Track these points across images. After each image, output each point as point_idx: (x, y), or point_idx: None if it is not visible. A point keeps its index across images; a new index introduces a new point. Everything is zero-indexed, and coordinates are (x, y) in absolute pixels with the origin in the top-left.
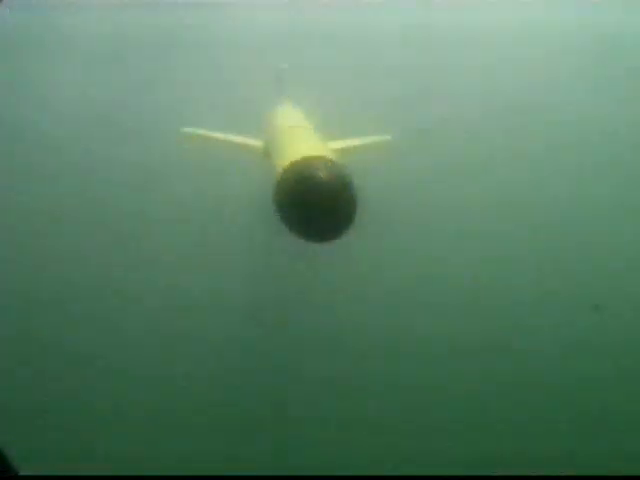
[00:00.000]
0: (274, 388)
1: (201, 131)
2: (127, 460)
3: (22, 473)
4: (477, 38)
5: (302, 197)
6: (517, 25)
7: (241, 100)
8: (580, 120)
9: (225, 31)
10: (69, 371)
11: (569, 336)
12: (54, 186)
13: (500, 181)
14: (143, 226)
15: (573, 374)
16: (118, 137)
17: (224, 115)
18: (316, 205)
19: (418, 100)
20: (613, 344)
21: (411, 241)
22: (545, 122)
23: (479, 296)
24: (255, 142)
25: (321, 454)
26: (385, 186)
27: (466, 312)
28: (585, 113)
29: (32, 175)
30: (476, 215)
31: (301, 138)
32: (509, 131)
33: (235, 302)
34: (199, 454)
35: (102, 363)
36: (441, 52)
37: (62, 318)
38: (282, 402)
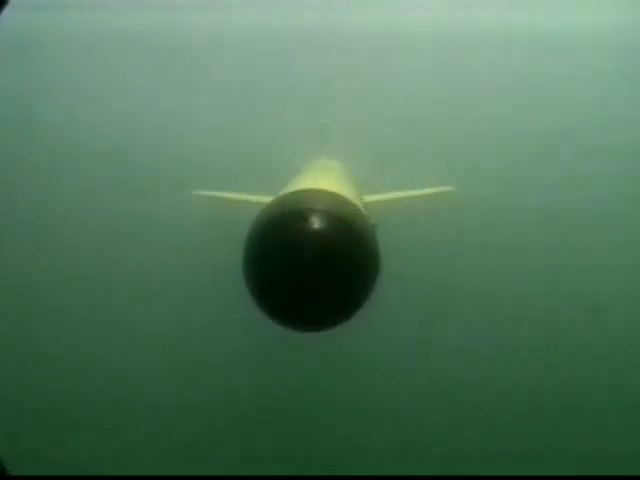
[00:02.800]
0: None
1: (214, 193)
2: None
3: (12, 473)
4: None
5: (277, 250)
6: None
7: None
8: None
9: None
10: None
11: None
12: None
13: None
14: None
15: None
16: None
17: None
18: (301, 264)
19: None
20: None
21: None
22: None
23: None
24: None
25: None
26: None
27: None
28: None
29: None
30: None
31: (312, 178)
32: None
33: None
34: None
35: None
36: None
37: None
38: None
